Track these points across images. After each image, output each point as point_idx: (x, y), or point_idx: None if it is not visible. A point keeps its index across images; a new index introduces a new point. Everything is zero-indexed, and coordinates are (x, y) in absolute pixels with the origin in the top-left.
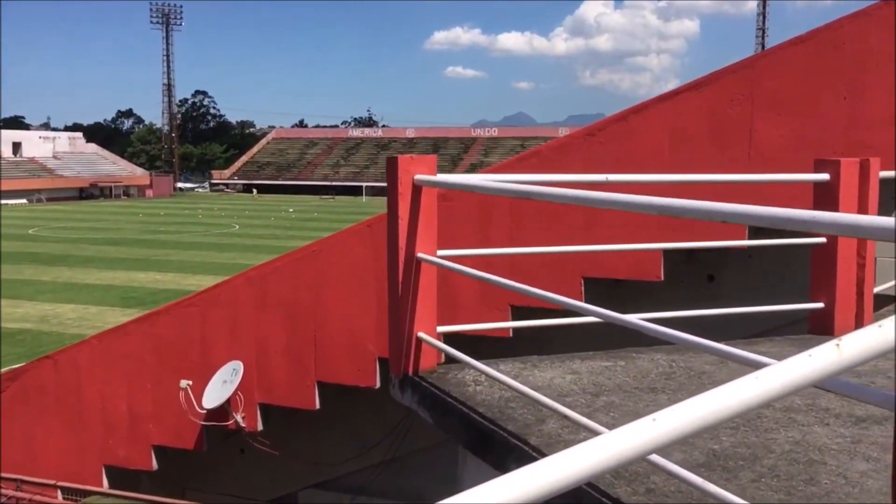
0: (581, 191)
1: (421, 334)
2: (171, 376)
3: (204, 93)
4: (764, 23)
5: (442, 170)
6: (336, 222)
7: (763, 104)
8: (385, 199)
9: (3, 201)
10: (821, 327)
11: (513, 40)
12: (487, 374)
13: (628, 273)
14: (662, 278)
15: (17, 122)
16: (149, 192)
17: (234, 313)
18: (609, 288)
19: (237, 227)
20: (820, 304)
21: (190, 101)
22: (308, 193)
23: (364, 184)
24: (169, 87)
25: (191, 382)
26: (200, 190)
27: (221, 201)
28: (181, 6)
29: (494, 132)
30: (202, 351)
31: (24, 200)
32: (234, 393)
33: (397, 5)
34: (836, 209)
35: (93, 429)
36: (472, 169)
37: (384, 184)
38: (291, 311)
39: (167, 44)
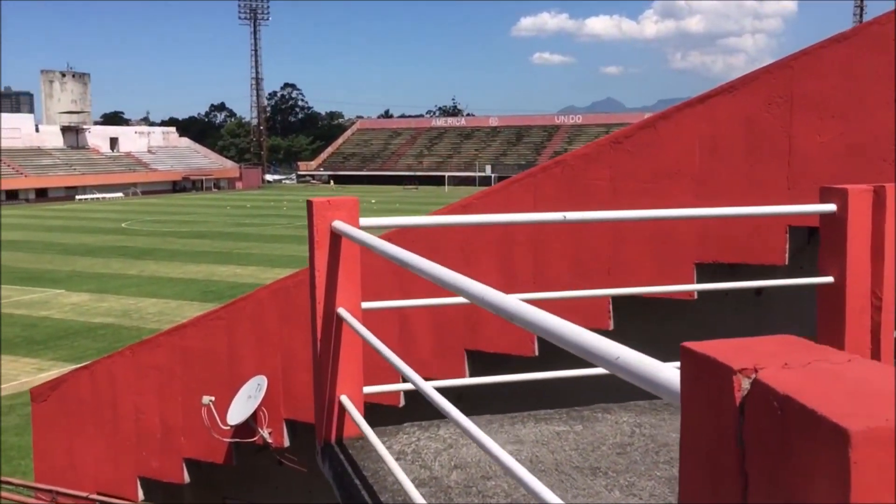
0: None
1: (343, 398)
2: (199, 389)
3: (293, 85)
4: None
5: (524, 158)
6: (416, 212)
7: (804, 107)
8: (467, 189)
9: (102, 195)
10: None
11: (601, 24)
12: (415, 445)
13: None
14: (696, 296)
15: (117, 118)
16: (238, 185)
17: (259, 327)
18: (642, 306)
19: None
20: None
21: (279, 94)
22: (391, 184)
23: (447, 173)
24: (257, 81)
25: (213, 398)
26: (287, 182)
27: (306, 193)
28: (268, 2)
29: (579, 119)
30: (229, 364)
31: (120, 194)
32: (259, 408)
33: None
34: (843, 246)
35: (127, 440)
36: (555, 157)
37: (467, 173)
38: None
39: (255, 39)
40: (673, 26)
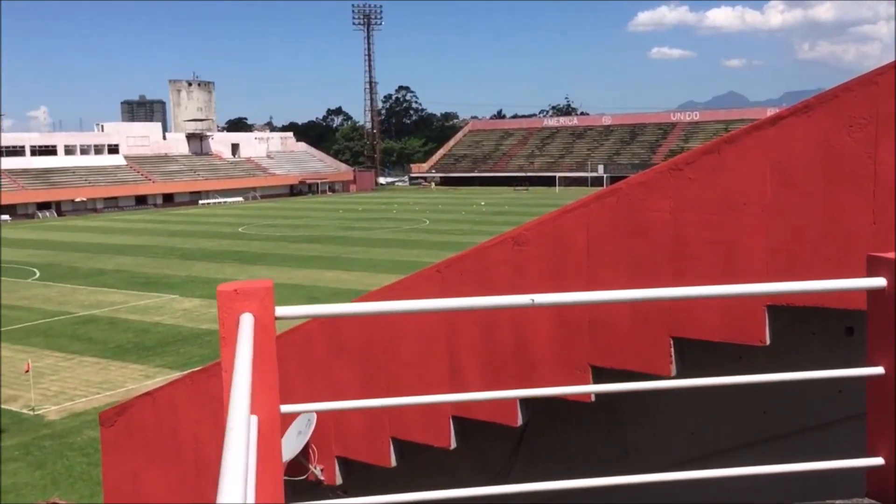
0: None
1: None
2: None
3: (407, 88)
4: None
5: (638, 157)
6: (524, 216)
7: (891, 129)
8: (579, 190)
9: (223, 199)
10: (882, 490)
11: (723, 16)
12: None
13: (724, 334)
14: (767, 342)
15: (241, 124)
16: (352, 188)
17: (308, 360)
18: (708, 350)
19: (427, 221)
20: (879, 460)
21: (393, 97)
22: (502, 185)
23: (558, 174)
24: (371, 85)
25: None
26: (400, 184)
27: (417, 195)
28: (381, 6)
29: (696, 116)
30: (281, 398)
31: (240, 198)
32: (309, 444)
33: None
34: (893, 329)
35: (188, 469)
36: (671, 156)
37: (579, 173)
38: (365, 360)
39: (368, 43)
40: (800, 15)
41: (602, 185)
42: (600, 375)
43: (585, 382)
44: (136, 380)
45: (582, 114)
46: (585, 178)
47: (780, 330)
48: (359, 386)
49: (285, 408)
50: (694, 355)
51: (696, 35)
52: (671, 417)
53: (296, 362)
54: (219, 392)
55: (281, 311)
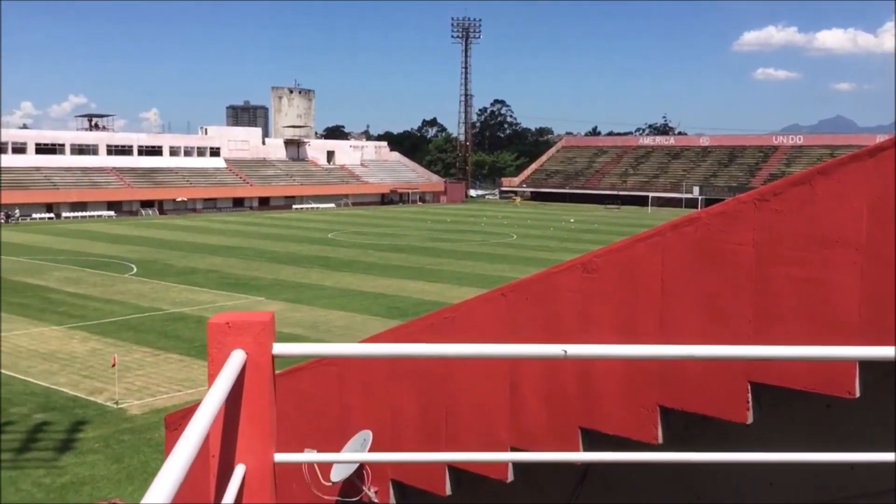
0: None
1: None
2: (311, 436)
3: (502, 102)
4: None
5: (736, 179)
6: (614, 234)
7: None
8: (672, 210)
9: (316, 205)
10: None
11: (833, 38)
12: None
13: (809, 383)
14: (857, 394)
15: (338, 132)
16: (442, 199)
17: (367, 378)
18: (790, 395)
19: (514, 236)
20: None
21: (489, 110)
22: (594, 203)
23: (651, 194)
24: (466, 98)
25: (315, 452)
26: (490, 197)
27: (507, 209)
28: (480, 20)
29: (800, 140)
30: (339, 415)
31: (332, 205)
32: (363, 465)
33: (704, 6)
34: None
35: None
36: (771, 180)
37: (672, 194)
38: (423, 381)
39: (466, 56)
40: None
41: (697, 207)
42: (669, 416)
43: (652, 423)
44: None
45: (679, 133)
46: (680, 200)
47: (871, 383)
48: (416, 410)
49: (280, 457)
50: (775, 399)
51: (803, 56)
52: (748, 465)
53: (354, 380)
54: (278, 405)
55: (279, 348)
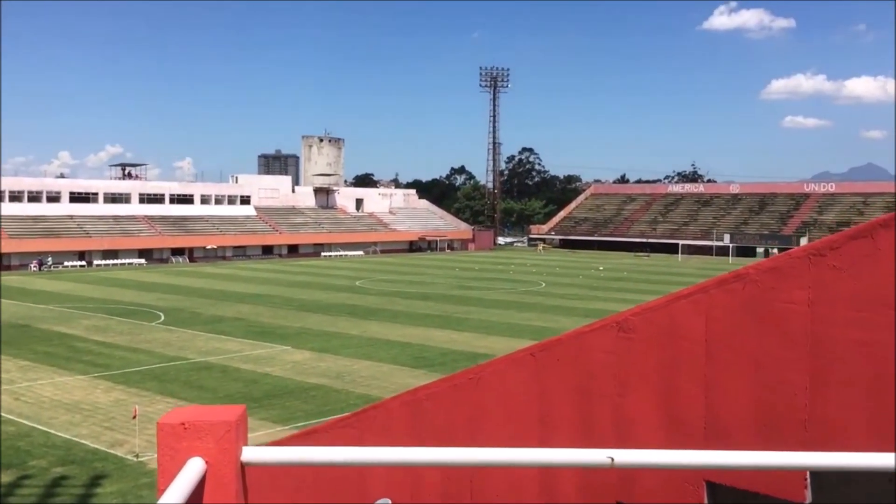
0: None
1: None
2: (328, 498)
3: (530, 150)
4: None
5: (767, 227)
6: (644, 283)
7: None
8: (702, 258)
9: (344, 252)
10: None
11: (863, 86)
12: None
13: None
14: None
15: (367, 180)
16: (471, 246)
17: (388, 440)
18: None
19: (543, 284)
20: None
21: (517, 158)
22: (623, 250)
23: (681, 242)
24: (494, 146)
25: None
26: (518, 244)
27: (535, 257)
28: (508, 70)
29: (832, 187)
30: (358, 479)
31: (360, 252)
32: None
33: (731, 56)
34: None
35: None
36: (803, 228)
37: (703, 242)
38: (446, 445)
39: (494, 105)
40: None
41: (728, 255)
42: (716, 492)
43: (698, 499)
44: None
45: (709, 181)
46: (710, 247)
47: None
48: (439, 476)
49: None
50: (837, 477)
51: (833, 105)
52: None
53: (375, 442)
54: (294, 468)
55: (249, 453)
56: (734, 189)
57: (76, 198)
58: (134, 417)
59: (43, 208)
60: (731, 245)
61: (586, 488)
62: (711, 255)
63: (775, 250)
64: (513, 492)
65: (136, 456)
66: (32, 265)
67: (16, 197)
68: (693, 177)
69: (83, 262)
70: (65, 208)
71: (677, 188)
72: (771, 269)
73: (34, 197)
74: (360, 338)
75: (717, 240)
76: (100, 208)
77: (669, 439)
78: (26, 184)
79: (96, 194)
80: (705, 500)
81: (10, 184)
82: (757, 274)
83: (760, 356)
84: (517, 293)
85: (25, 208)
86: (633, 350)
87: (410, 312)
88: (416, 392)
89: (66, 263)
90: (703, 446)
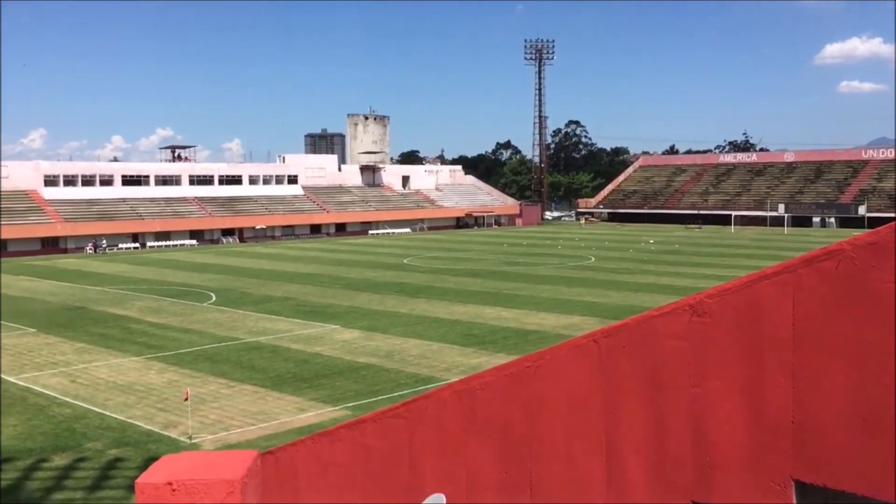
0: None
1: None
2: (378, 493)
3: (577, 122)
4: None
5: (824, 196)
6: (696, 255)
7: None
8: (756, 229)
9: (392, 230)
10: None
11: None
12: None
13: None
14: None
15: (413, 157)
16: (518, 222)
17: (441, 433)
18: None
19: (593, 259)
20: None
21: (563, 132)
22: (673, 223)
23: (734, 213)
24: (540, 119)
25: None
26: (567, 219)
27: (585, 230)
28: (553, 41)
29: (891, 153)
30: (410, 473)
31: (408, 229)
32: None
33: (784, 21)
34: None
35: None
36: (861, 197)
37: (757, 213)
38: (503, 438)
39: (539, 78)
40: None
41: (783, 226)
42: (805, 492)
43: (785, 500)
44: (290, 412)
45: (761, 150)
46: (764, 218)
47: None
48: (496, 470)
49: None
50: None
51: (890, 68)
52: None
53: (427, 433)
54: (341, 460)
55: None
56: (788, 157)
57: (128, 181)
58: (186, 400)
59: (97, 192)
60: (785, 215)
61: (658, 484)
62: (765, 225)
63: (832, 220)
64: (576, 486)
65: (190, 438)
66: (88, 248)
67: (70, 181)
68: (745, 146)
69: (136, 244)
70: (118, 191)
71: (729, 158)
72: (870, 244)
73: (88, 181)
74: (408, 316)
75: (770, 210)
76: (151, 191)
77: (753, 435)
78: (80, 168)
79: (148, 177)
80: (794, 501)
81: (65, 168)
82: (853, 250)
83: (857, 343)
84: (566, 268)
85: (80, 192)
86: (710, 336)
87: (459, 289)
88: (468, 381)
89: (120, 246)
90: (792, 443)
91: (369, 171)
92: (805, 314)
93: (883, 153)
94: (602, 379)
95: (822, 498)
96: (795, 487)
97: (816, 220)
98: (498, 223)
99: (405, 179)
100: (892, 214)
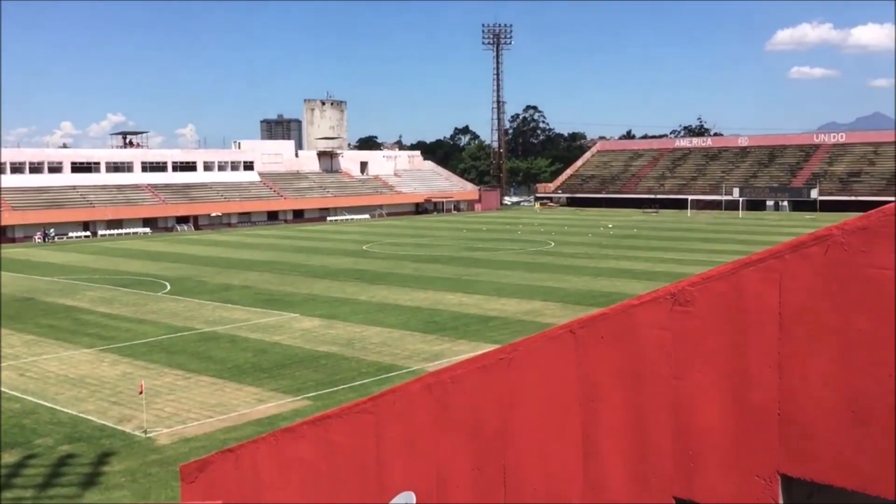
0: None
1: None
2: (344, 491)
3: (535, 107)
4: None
5: (777, 180)
6: (655, 239)
7: None
8: (711, 213)
9: (351, 216)
10: None
11: (870, 34)
12: None
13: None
14: None
15: (371, 142)
16: (477, 207)
17: (410, 428)
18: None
19: (552, 244)
20: None
21: (521, 117)
22: (631, 207)
23: (690, 197)
24: (499, 104)
25: None
26: (525, 204)
27: (543, 215)
28: (511, 26)
29: (842, 137)
30: (377, 470)
31: (367, 216)
32: None
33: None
34: None
35: None
36: (813, 180)
37: (712, 196)
38: (476, 434)
39: (497, 63)
40: None
41: (738, 210)
42: (791, 487)
43: (770, 496)
44: (249, 403)
45: (716, 134)
46: (720, 202)
47: None
48: (468, 467)
49: None
50: None
51: (839, 54)
52: None
53: (395, 429)
54: (305, 456)
55: None
56: (742, 142)
57: (78, 168)
58: (140, 393)
59: (45, 179)
60: (740, 199)
61: (638, 480)
62: (721, 209)
63: (785, 203)
64: (552, 483)
65: (145, 432)
66: (36, 237)
67: (17, 168)
68: (700, 131)
69: (87, 233)
70: (67, 179)
71: (684, 143)
72: (860, 228)
73: (36, 168)
74: (369, 303)
75: (726, 194)
76: (102, 178)
77: (738, 427)
78: (28, 154)
79: (98, 164)
80: (780, 497)
81: (12, 155)
82: (842, 235)
83: (847, 332)
84: (526, 253)
85: (28, 179)
86: (692, 326)
87: (419, 276)
88: (439, 374)
89: (70, 234)
90: (778, 436)
91: (327, 157)
92: (792, 302)
93: (834, 137)
94: (579, 371)
95: (806, 491)
96: (781, 482)
97: (770, 203)
98: (457, 208)
99: (363, 165)
100: (844, 198)
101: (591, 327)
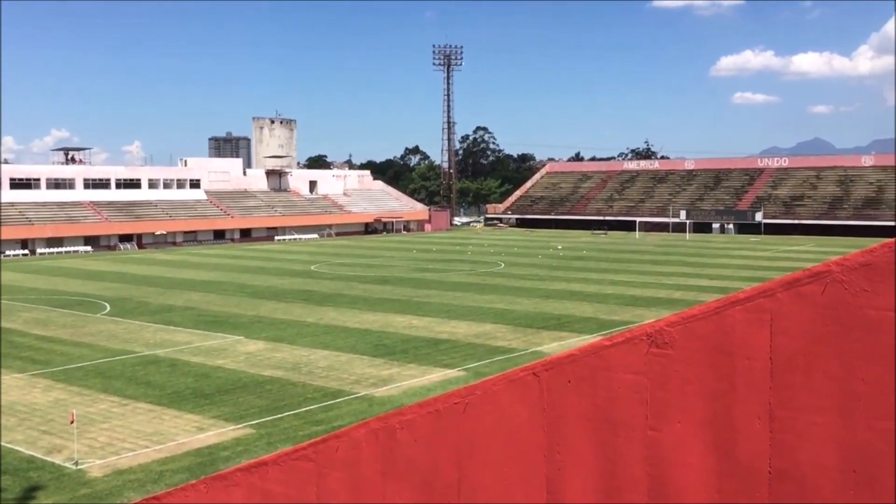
0: None
1: None
2: None
3: (485, 129)
4: None
5: (723, 203)
6: (604, 261)
7: None
8: (659, 235)
9: (299, 236)
10: None
11: (809, 61)
12: None
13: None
14: None
15: (320, 161)
16: (427, 227)
17: (354, 477)
18: None
19: (503, 265)
20: None
21: (471, 138)
22: (580, 228)
23: (638, 219)
24: (449, 125)
25: None
26: (475, 224)
27: (493, 236)
28: (461, 47)
29: (785, 162)
30: None
31: (315, 235)
32: None
33: (680, 33)
34: None
35: None
36: (758, 203)
37: (659, 219)
38: (428, 485)
39: (448, 84)
40: (890, 62)
41: (685, 232)
42: None
43: None
44: (188, 432)
45: (662, 157)
46: (667, 224)
47: None
48: None
49: None
50: None
51: (780, 81)
52: None
53: (338, 478)
54: None
55: None
56: (689, 165)
57: (17, 184)
58: (72, 422)
59: None
60: (687, 221)
61: None
62: (668, 231)
63: (731, 226)
64: None
65: (76, 464)
66: None
67: None
68: (647, 154)
69: (25, 251)
70: (5, 195)
71: (632, 165)
72: (863, 265)
73: None
74: (316, 325)
75: (673, 216)
76: (42, 194)
77: (721, 485)
78: None
79: (38, 180)
80: None
81: None
82: (842, 272)
83: (848, 380)
84: (477, 275)
85: None
86: (672, 371)
87: (368, 297)
88: (386, 419)
89: (7, 253)
90: (768, 496)
91: (275, 175)
92: (785, 346)
93: (777, 161)
94: (543, 418)
95: None
96: None
97: (716, 226)
98: (407, 229)
99: (312, 184)
100: (788, 221)
101: (556, 370)
